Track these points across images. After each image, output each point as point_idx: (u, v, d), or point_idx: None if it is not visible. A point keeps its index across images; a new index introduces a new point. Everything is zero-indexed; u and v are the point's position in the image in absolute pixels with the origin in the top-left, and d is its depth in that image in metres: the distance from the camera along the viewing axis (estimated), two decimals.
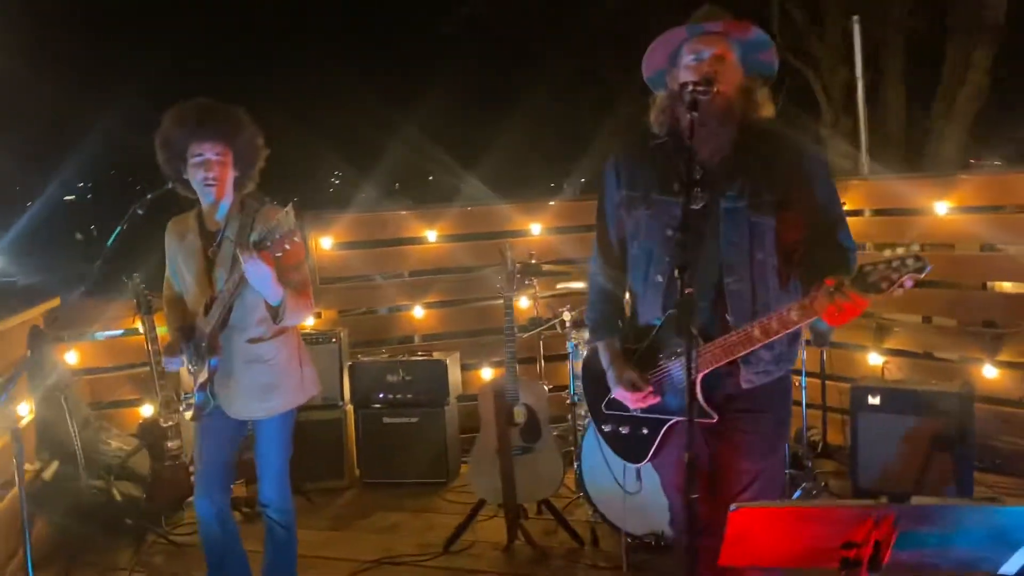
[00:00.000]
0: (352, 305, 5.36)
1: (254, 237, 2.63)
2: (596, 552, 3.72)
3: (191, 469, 4.29)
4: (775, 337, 2.11)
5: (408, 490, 4.54)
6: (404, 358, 4.73)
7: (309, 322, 4.75)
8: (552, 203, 5.24)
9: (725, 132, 2.18)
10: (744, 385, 2.24)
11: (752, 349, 2.14)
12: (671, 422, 2.31)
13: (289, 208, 2.55)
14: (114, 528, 4.10)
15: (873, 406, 3.93)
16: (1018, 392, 4.20)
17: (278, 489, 3.05)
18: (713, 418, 2.17)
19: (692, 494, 1.97)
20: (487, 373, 5.19)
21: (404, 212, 5.20)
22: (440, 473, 4.63)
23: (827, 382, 4.39)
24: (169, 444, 4.22)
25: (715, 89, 2.11)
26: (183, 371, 3.07)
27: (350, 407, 4.74)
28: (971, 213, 4.45)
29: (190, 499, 4.35)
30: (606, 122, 9.53)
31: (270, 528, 3.08)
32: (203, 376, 2.94)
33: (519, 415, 3.83)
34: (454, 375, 4.74)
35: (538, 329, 4.38)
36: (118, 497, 4.18)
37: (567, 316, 4.15)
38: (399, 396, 4.66)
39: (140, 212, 2.91)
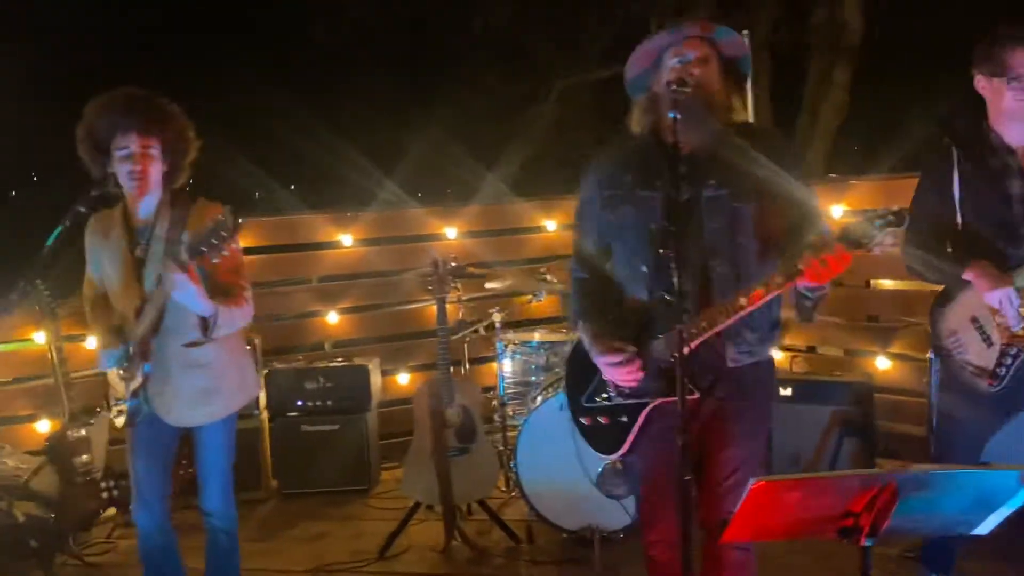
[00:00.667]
0: (264, 311, 5.21)
1: (188, 242, 2.52)
2: (533, 548, 3.78)
3: (103, 485, 4.09)
4: (759, 303, 2.21)
5: (330, 498, 4.46)
6: (323, 364, 4.65)
7: None
8: (466, 208, 5.28)
9: (706, 128, 2.29)
10: (730, 364, 2.33)
11: (737, 317, 2.23)
12: (652, 405, 2.38)
13: (227, 210, 2.45)
14: (18, 552, 3.82)
15: (785, 397, 4.17)
16: (910, 382, 4.56)
17: (223, 497, 2.95)
18: (694, 394, 2.25)
19: (685, 476, 2.05)
20: (404, 378, 5.17)
21: (317, 216, 5.10)
22: (362, 480, 4.57)
23: None
24: (78, 459, 3.99)
25: (696, 89, 2.21)
26: (112, 375, 2.92)
27: (266, 415, 4.61)
28: (860, 216, 4.80)
29: (104, 515, 4.15)
30: (497, 131, 9.70)
31: (214, 537, 2.98)
32: (136, 382, 2.80)
33: (454, 416, 3.85)
34: (375, 380, 4.70)
35: (467, 331, 4.41)
36: (20, 518, 3.90)
37: (497, 317, 4.20)
38: (318, 403, 4.58)
39: (83, 210, 2.74)
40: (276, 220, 5.07)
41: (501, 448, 4.27)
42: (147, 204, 2.79)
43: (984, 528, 1.80)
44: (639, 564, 2.60)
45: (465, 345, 4.56)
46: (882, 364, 4.66)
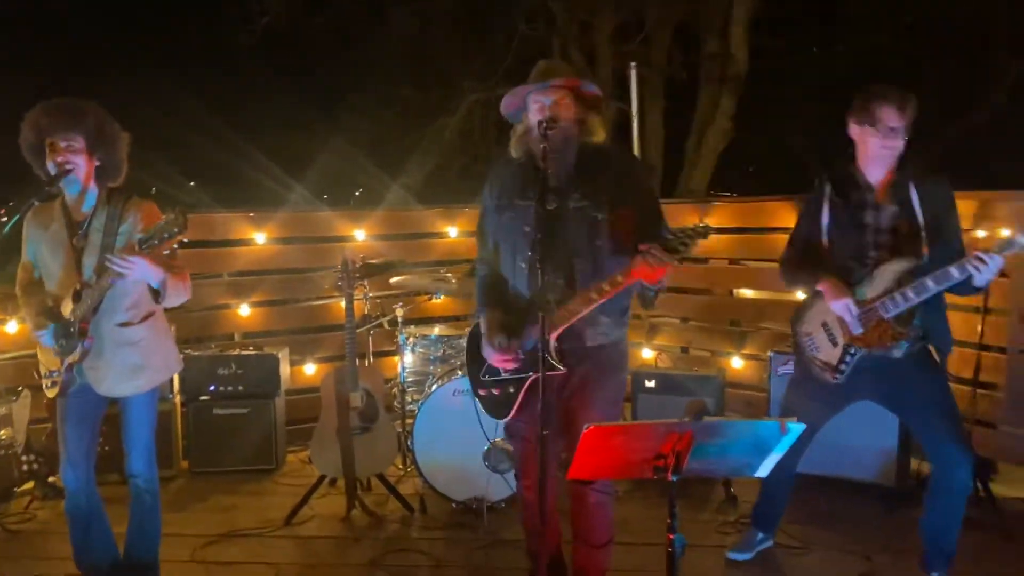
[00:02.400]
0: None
1: (147, 234, 2.94)
2: (425, 517, 4.25)
3: (23, 459, 4.37)
4: (607, 296, 2.77)
5: (239, 477, 4.81)
6: (236, 352, 5.01)
7: None
8: (375, 211, 5.72)
9: (568, 153, 2.87)
10: (589, 344, 2.90)
11: (591, 308, 2.79)
12: (531, 377, 2.91)
13: (179, 210, 2.91)
14: None
15: (649, 388, 4.78)
16: (757, 378, 5.23)
17: (146, 460, 3.33)
18: (561, 369, 2.79)
19: (545, 430, 2.58)
20: (310, 369, 5.57)
21: (234, 214, 5.45)
22: (269, 460, 4.95)
23: None
24: (1, 432, 4.26)
25: (557, 125, 2.77)
26: (45, 351, 3.25)
27: (178, 399, 4.94)
28: (722, 233, 5.47)
29: (22, 488, 4.41)
30: (408, 138, 10.11)
31: (138, 497, 3.34)
32: (73, 357, 3.15)
33: (358, 400, 4.29)
34: (284, 369, 5.09)
35: (372, 324, 4.85)
36: None
37: (400, 312, 4.67)
38: (230, 388, 4.93)
39: (38, 203, 3.08)
40: (194, 217, 5.36)
41: (400, 430, 4.72)
42: (86, 199, 3.16)
43: (763, 471, 2.37)
44: (519, 529, 3.17)
45: (370, 338, 4.99)
46: (736, 363, 5.33)
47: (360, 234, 5.58)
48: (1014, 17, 10.54)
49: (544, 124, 2.74)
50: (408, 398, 4.80)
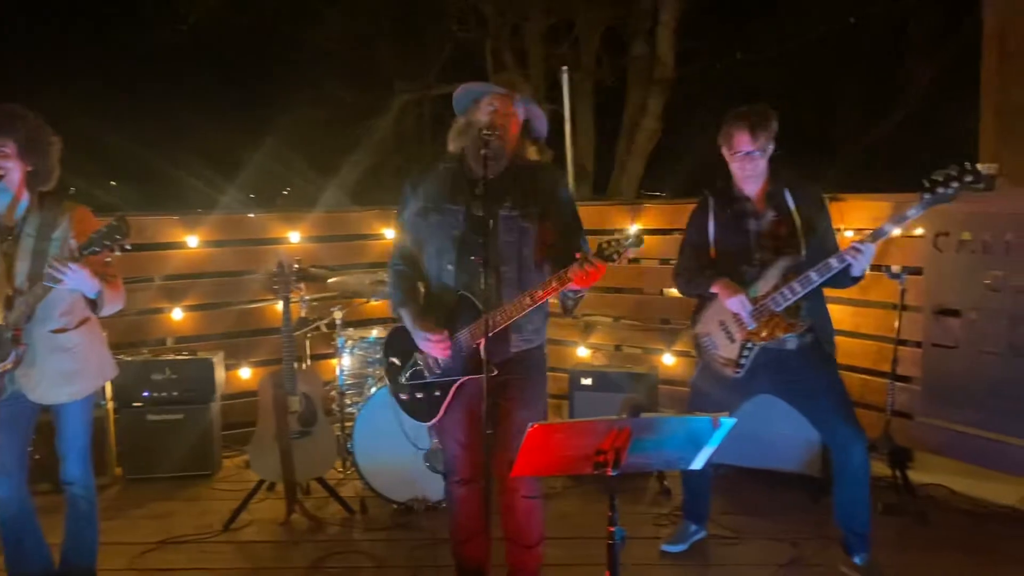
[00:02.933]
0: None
1: (82, 243, 2.90)
2: (366, 519, 4.27)
3: None
4: (540, 301, 2.86)
5: (175, 483, 4.75)
6: (170, 357, 4.95)
7: None
8: (310, 213, 5.69)
9: (503, 163, 2.97)
10: (513, 349, 3.00)
11: (523, 314, 2.87)
12: (460, 381, 2.98)
13: (120, 216, 2.90)
14: None
15: (585, 386, 4.89)
16: (688, 375, 5.38)
17: (82, 467, 3.29)
18: (494, 371, 2.85)
19: (488, 430, 2.65)
20: (246, 373, 5.52)
21: (165, 217, 5.37)
22: (206, 466, 4.90)
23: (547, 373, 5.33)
24: None
25: (500, 135, 2.85)
26: None
27: (111, 405, 4.86)
28: (653, 234, 5.61)
29: None
30: (341, 138, 10.07)
31: (74, 504, 3.30)
32: (5, 365, 3.09)
33: (296, 403, 4.29)
34: (220, 372, 5.04)
35: (309, 328, 4.84)
36: None
37: (338, 315, 4.67)
38: (164, 394, 4.87)
39: None
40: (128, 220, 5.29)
41: (340, 433, 4.73)
42: (17, 206, 3.10)
43: (698, 463, 2.49)
44: None
45: (307, 341, 4.99)
46: (668, 360, 5.48)
47: (295, 236, 5.56)
48: (924, 24, 11.03)
49: (487, 132, 2.82)
50: (347, 401, 4.81)
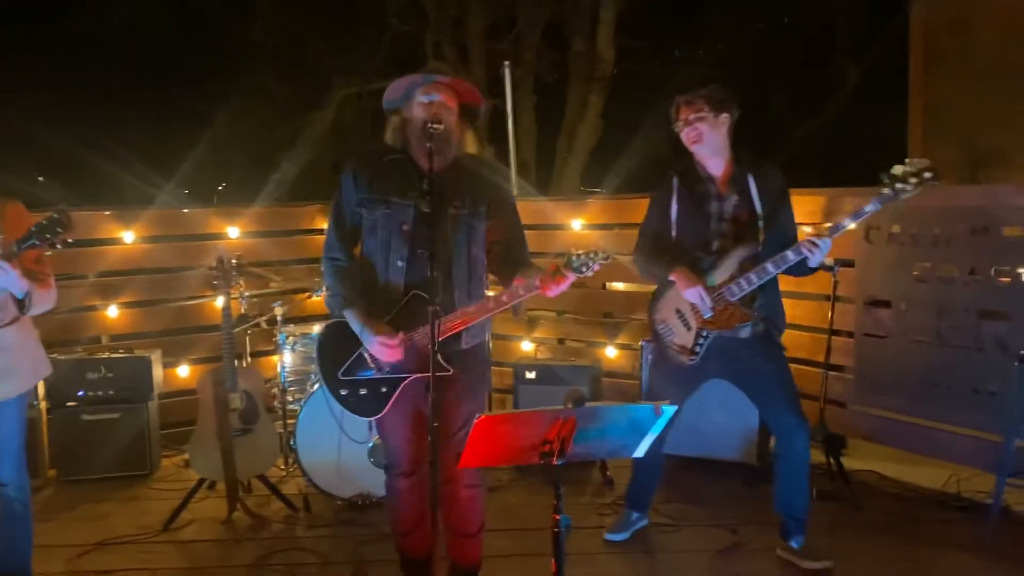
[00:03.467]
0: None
1: (28, 234, 2.82)
2: (310, 516, 4.24)
3: None
4: (504, 307, 2.86)
5: (111, 484, 4.65)
6: (106, 355, 4.84)
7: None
8: (249, 208, 5.61)
9: (448, 157, 2.94)
10: (464, 346, 3.00)
11: (486, 316, 2.89)
12: (409, 379, 2.97)
13: (61, 209, 2.83)
14: None
15: (529, 380, 4.93)
16: (629, 367, 5.47)
17: (16, 468, 3.19)
18: (450, 371, 2.85)
19: (434, 422, 2.65)
20: (184, 371, 5.43)
21: (97, 213, 5.24)
22: (143, 466, 4.80)
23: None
24: None
25: (443, 126, 2.84)
26: None
27: (44, 405, 4.73)
28: (595, 229, 5.68)
29: None
30: (278, 133, 9.95)
31: (8, 506, 3.20)
32: None
33: (237, 401, 4.24)
34: (157, 371, 4.95)
35: (250, 324, 4.78)
36: None
37: (279, 311, 4.63)
38: (100, 393, 4.76)
39: None
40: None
41: (282, 431, 4.68)
42: None
43: (640, 451, 2.53)
44: None
45: (247, 338, 4.92)
46: (611, 352, 5.56)
47: (234, 231, 5.48)
48: (852, 24, 11.35)
49: (430, 123, 2.80)
50: (289, 398, 4.76)
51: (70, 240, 2.84)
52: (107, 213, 5.25)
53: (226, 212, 5.53)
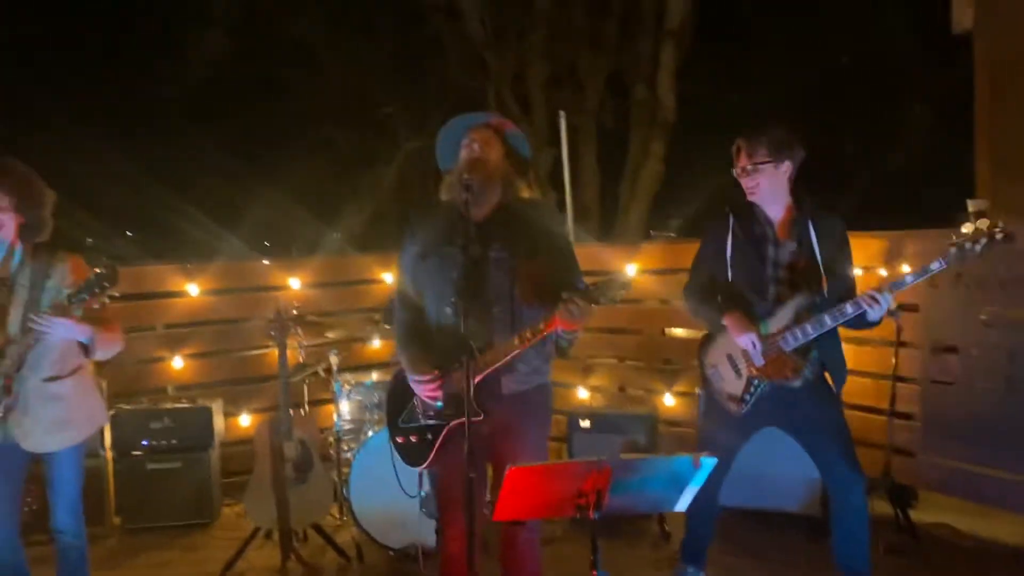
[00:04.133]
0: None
1: (70, 291, 2.95)
2: (362, 566, 4.25)
3: None
4: (529, 344, 2.85)
5: (174, 533, 4.74)
6: (169, 406, 4.97)
7: None
8: (310, 260, 5.75)
9: (489, 203, 2.97)
10: (505, 392, 2.97)
11: (513, 355, 2.87)
12: (449, 425, 2.97)
13: (108, 263, 2.95)
14: None
15: (584, 428, 4.87)
16: (689, 415, 5.36)
17: (73, 515, 3.29)
18: (480, 415, 2.82)
19: (471, 473, 2.63)
20: (245, 420, 5.53)
21: (164, 266, 5.44)
22: (205, 515, 4.89)
23: None
24: None
25: (479, 172, 2.89)
26: None
27: (110, 455, 4.87)
28: (652, 275, 5.63)
29: None
30: (344, 187, 10.22)
31: (64, 553, 3.29)
32: None
33: (292, 450, 4.29)
34: (219, 420, 5.05)
35: (307, 373, 4.85)
36: None
37: (335, 360, 4.70)
38: (163, 442, 4.88)
39: None
40: (125, 270, 5.34)
41: (337, 479, 4.72)
42: (11, 257, 3.16)
43: (681, 504, 2.47)
44: None
45: (305, 387, 5.00)
46: (669, 401, 5.46)
47: (295, 283, 5.61)
48: (922, 65, 11.12)
49: (466, 176, 2.84)
50: (344, 447, 4.80)
51: (116, 293, 2.94)
52: (175, 266, 5.44)
53: (287, 264, 5.67)
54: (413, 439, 3.06)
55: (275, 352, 5.31)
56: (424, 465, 3.06)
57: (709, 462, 2.32)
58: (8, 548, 3.22)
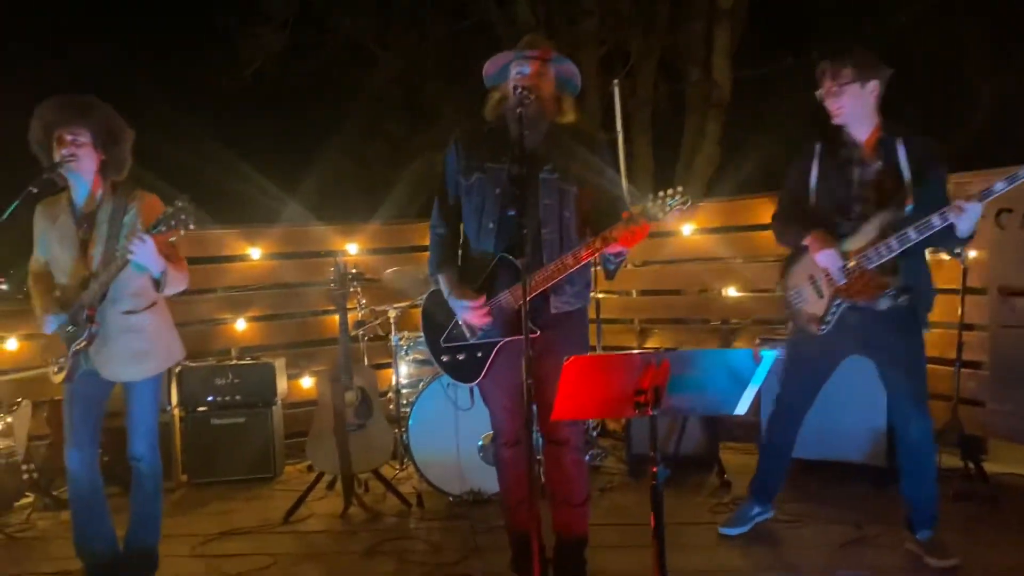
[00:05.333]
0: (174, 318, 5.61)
1: (157, 219, 3.05)
2: (423, 511, 4.28)
3: (23, 468, 4.42)
4: (583, 262, 2.87)
5: (237, 486, 4.85)
6: (233, 362, 5.09)
7: None
8: (368, 225, 5.83)
9: (542, 124, 2.99)
10: (553, 311, 2.99)
11: (565, 274, 2.89)
12: (501, 343, 3.00)
13: (186, 198, 3.04)
14: None
15: None
16: None
17: (149, 445, 3.38)
18: (536, 332, 2.85)
19: (528, 378, 2.62)
20: (307, 382, 5.63)
21: (226, 231, 5.56)
22: (267, 469, 4.98)
23: None
24: (1, 443, 4.32)
25: (533, 96, 2.89)
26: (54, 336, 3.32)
27: (176, 411, 5.00)
28: (709, 233, 5.58)
29: (22, 502, 4.45)
30: (395, 172, 10.36)
31: (140, 482, 3.39)
32: (81, 343, 3.23)
33: (353, 397, 4.36)
34: (281, 378, 5.15)
35: (367, 327, 4.93)
36: None
37: (392, 313, 4.76)
38: (227, 398, 4.99)
39: (35, 190, 3.18)
40: (187, 233, 5.49)
41: (397, 431, 4.77)
42: (91, 193, 3.27)
43: (742, 407, 2.44)
44: None
45: (363, 345, 5.07)
46: None
47: (353, 248, 5.69)
48: (984, 39, 10.83)
49: (522, 90, 2.86)
50: (403, 400, 4.85)
51: (192, 226, 3.02)
52: (244, 230, 5.57)
53: (345, 229, 5.76)
54: (461, 357, 3.09)
55: (335, 317, 5.42)
56: (476, 381, 3.10)
57: (769, 355, 2.30)
58: (88, 475, 3.32)
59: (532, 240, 2.91)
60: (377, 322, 4.98)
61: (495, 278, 3.00)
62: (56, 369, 3.29)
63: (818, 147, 3.46)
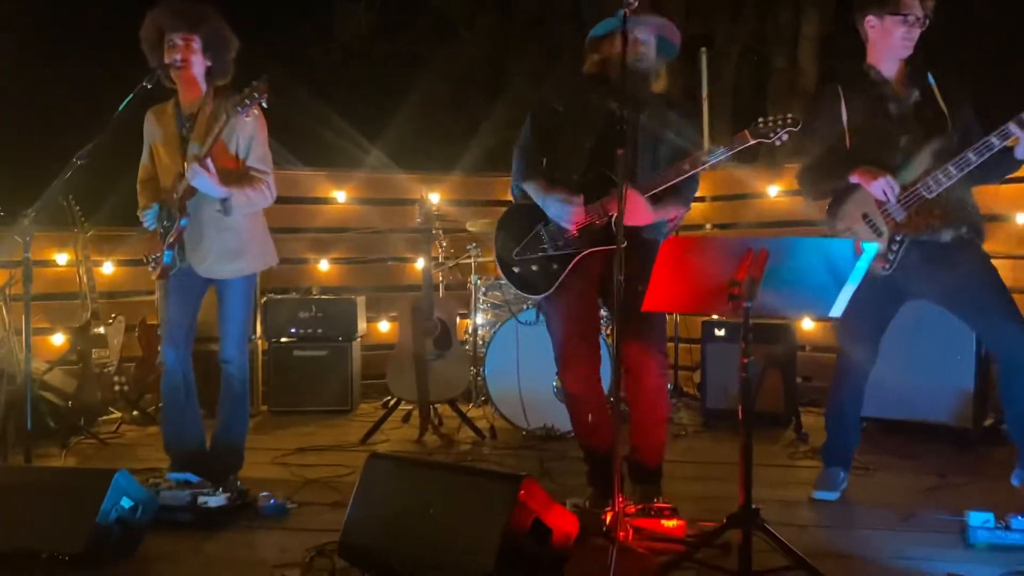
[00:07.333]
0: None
1: (231, 100, 3.15)
2: (495, 442, 4.33)
3: (115, 379, 4.60)
4: (700, 167, 2.91)
5: (316, 416, 4.98)
6: (317, 296, 5.22)
7: None
8: (450, 176, 5.92)
9: (644, 84, 3.09)
10: (644, 235, 3.04)
11: (681, 178, 2.94)
12: (581, 255, 3.02)
13: (263, 77, 3.13)
14: (39, 432, 4.27)
15: (719, 337, 4.80)
16: (828, 339, 5.20)
17: (239, 346, 3.49)
18: (624, 243, 2.82)
19: (619, 275, 2.61)
20: (384, 326, 5.74)
21: (315, 173, 5.71)
22: (345, 403, 5.10)
23: (678, 318, 5.32)
24: (97, 352, 4.51)
25: (641, 63, 3.03)
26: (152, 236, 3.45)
27: (260, 341, 5.14)
28: (795, 196, 5.50)
29: (110, 416, 4.64)
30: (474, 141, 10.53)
31: (229, 383, 3.50)
32: (172, 236, 3.34)
33: (433, 327, 4.43)
34: (362, 317, 5.26)
35: (448, 265, 5.02)
36: (41, 406, 4.34)
37: (473, 253, 4.83)
38: (310, 331, 5.12)
39: (148, 86, 3.30)
40: (277, 173, 5.65)
41: (474, 370, 4.83)
42: (196, 95, 3.40)
43: (837, 308, 2.41)
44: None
45: (441, 281, 5.16)
46: (807, 325, 5.31)
47: (435, 197, 5.77)
48: None
49: (634, 57, 2.96)
50: (480, 340, 4.91)
51: (264, 104, 3.12)
52: (331, 173, 5.71)
53: (428, 179, 5.84)
54: (534, 268, 3.11)
55: (414, 264, 5.53)
56: (546, 293, 3.10)
57: (871, 247, 2.27)
58: (181, 371, 3.45)
59: (628, 169, 2.93)
60: (459, 259, 5.05)
61: (587, 190, 3.02)
62: (152, 266, 3.41)
63: (840, 89, 3.28)
